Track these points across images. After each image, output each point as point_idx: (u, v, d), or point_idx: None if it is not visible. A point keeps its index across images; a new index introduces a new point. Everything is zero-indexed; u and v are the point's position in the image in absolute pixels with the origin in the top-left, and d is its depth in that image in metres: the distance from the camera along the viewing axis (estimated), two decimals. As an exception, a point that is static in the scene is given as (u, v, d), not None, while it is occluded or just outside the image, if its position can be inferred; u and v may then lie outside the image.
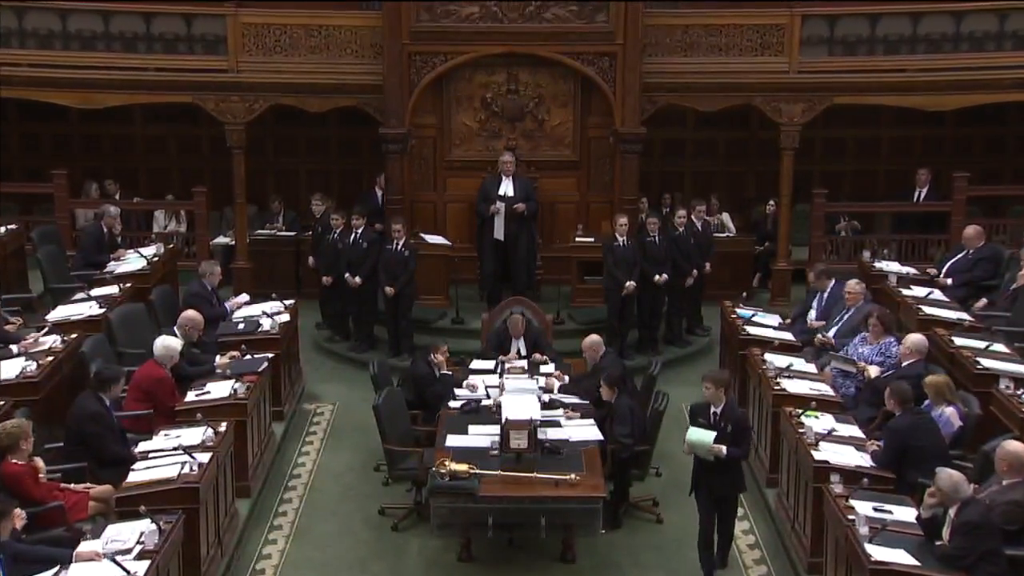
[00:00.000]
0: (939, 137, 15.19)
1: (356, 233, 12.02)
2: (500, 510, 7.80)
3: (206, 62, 13.14)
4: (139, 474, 7.49)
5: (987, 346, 9.40)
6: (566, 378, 9.61)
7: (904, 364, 9.05)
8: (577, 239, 12.60)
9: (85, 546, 6.53)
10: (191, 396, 8.93)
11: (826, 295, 10.92)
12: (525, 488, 7.82)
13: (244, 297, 11.47)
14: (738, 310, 10.92)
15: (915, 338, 9.17)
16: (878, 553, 6.48)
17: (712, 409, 7.87)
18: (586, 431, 8.60)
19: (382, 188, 13.67)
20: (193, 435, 7.98)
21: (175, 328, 9.71)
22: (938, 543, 6.54)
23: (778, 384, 9.00)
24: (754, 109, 13.54)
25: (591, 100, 12.94)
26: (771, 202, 14.04)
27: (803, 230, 13.96)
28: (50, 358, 9.02)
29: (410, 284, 11.79)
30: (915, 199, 14.03)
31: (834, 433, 8.05)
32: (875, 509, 6.98)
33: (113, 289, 11.02)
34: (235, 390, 8.91)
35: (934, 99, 13.27)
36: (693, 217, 12.37)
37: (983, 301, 11.18)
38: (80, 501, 7.48)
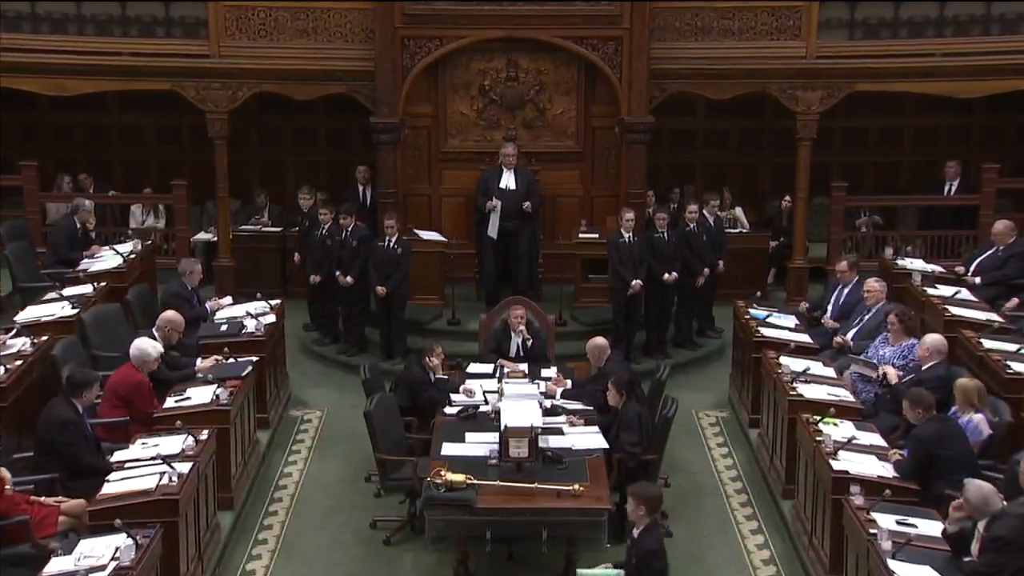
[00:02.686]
0: (967, 126, 15.21)
1: (347, 231, 12.02)
2: (499, 523, 7.79)
3: (186, 46, 13.12)
4: (114, 485, 7.47)
5: (1018, 349, 9.40)
6: (569, 383, 9.61)
7: (924, 367, 9.05)
8: (581, 235, 12.60)
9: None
10: (170, 402, 8.92)
11: (847, 290, 10.94)
12: (525, 499, 7.80)
13: (227, 299, 11.46)
14: (752, 310, 10.92)
15: (933, 338, 9.17)
16: (902, 569, 6.47)
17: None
18: (590, 439, 8.59)
19: (363, 183, 13.65)
20: (172, 444, 7.98)
21: (153, 330, 9.72)
22: (966, 559, 6.52)
23: (794, 389, 9.00)
24: (769, 97, 13.52)
25: (596, 87, 12.95)
26: (787, 197, 14.03)
27: (821, 226, 13.98)
28: (19, 362, 9.03)
29: (403, 283, 11.80)
30: (945, 193, 14.02)
31: (854, 441, 8.04)
32: (898, 522, 6.97)
33: (87, 288, 11.02)
34: (217, 396, 8.89)
35: (962, 85, 13.23)
36: (705, 212, 12.37)
37: (1014, 301, 11.17)
38: (49, 516, 7.44)
